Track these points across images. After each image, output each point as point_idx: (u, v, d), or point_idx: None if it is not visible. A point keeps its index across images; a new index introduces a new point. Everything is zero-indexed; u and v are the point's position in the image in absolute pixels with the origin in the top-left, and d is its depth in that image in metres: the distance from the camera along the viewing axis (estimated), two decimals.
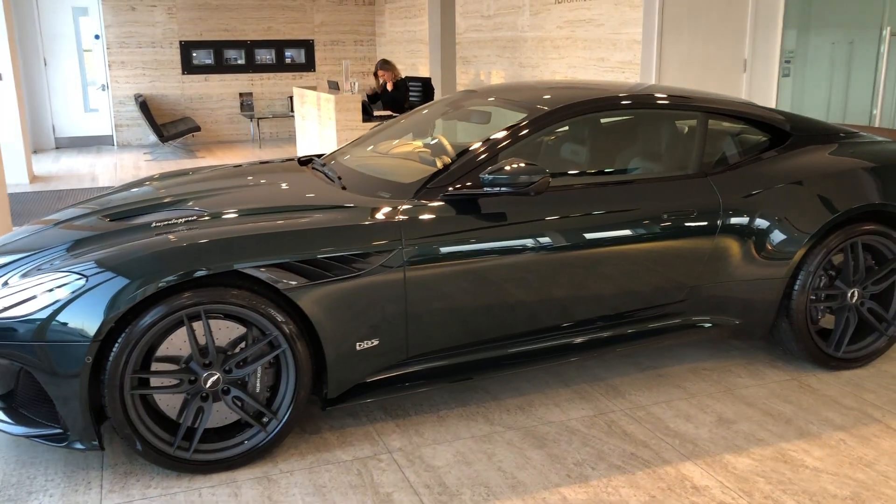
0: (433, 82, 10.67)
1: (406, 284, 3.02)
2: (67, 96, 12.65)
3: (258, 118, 12.68)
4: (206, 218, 3.09)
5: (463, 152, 3.35)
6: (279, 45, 13.26)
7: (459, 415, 3.38)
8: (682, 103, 3.68)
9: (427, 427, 3.27)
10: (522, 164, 3.07)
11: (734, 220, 3.52)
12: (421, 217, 3.08)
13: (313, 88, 9.52)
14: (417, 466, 2.98)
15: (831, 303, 3.72)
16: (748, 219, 3.53)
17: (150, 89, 12.64)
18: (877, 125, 6.08)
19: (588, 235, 3.29)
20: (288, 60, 13.37)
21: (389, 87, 8.93)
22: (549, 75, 8.04)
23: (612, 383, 3.67)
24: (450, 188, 3.18)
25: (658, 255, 3.42)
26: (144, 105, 11.29)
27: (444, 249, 3.08)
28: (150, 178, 4.01)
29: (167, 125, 12.19)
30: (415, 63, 12.02)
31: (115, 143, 12.67)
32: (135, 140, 12.69)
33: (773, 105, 7.02)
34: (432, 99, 10.12)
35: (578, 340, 3.42)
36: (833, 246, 3.59)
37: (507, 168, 3.07)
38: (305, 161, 4.07)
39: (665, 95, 3.71)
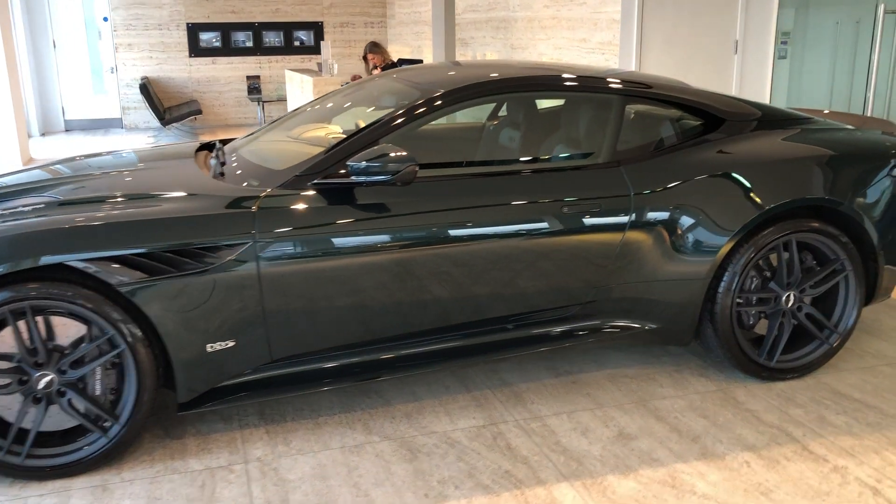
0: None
1: (261, 281, 2.78)
2: (77, 79, 12.66)
3: (265, 101, 12.53)
4: (54, 206, 2.88)
5: (346, 138, 3.08)
6: (287, 28, 13.07)
7: (339, 421, 3.13)
8: (595, 86, 3.35)
9: (298, 434, 3.03)
10: (388, 153, 2.79)
11: (647, 214, 3.19)
12: (281, 207, 2.83)
13: (318, 72, 9.31)
14: (268, 480, 2.74)
15: (764, 307, 3.36)
16: (663, 213, 3.20)
17: (157, 72, 12.57)
18: (869, 110, 5.62)
19: (477, 230, 3.00)
20: (297, 43, 13.17)
21: (377, 72, 8.65)
22: (536, 57, 7.69)
23: (518, 389, 3.38)
24: (320, 176, 2.92)
25: (557, 252, 3.11)
26: (145, 88, 11.22)
27: (308, 243, 2.82)
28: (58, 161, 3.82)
29: (172, 108, 12.12)
30: (420, 45, 11.73)
31: (123, 126, 12.66)
32: (142, 123, 12.65)
33: (767, 90, 6.58)
34: None
35: (471, 344, 3.14)
36: (763, 244, 3.23)
37: (372, 156, 2.80)
38: (209, 146, 3.84)
39: (577, 77, 3.38)
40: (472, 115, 4.67)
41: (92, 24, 12.74)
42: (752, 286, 3.34)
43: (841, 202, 3.28)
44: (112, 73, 12.66)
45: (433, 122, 3.66)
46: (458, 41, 9.99)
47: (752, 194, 3.21)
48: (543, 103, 3.65)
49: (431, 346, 3.09)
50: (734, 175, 3.23)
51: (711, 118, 3.45)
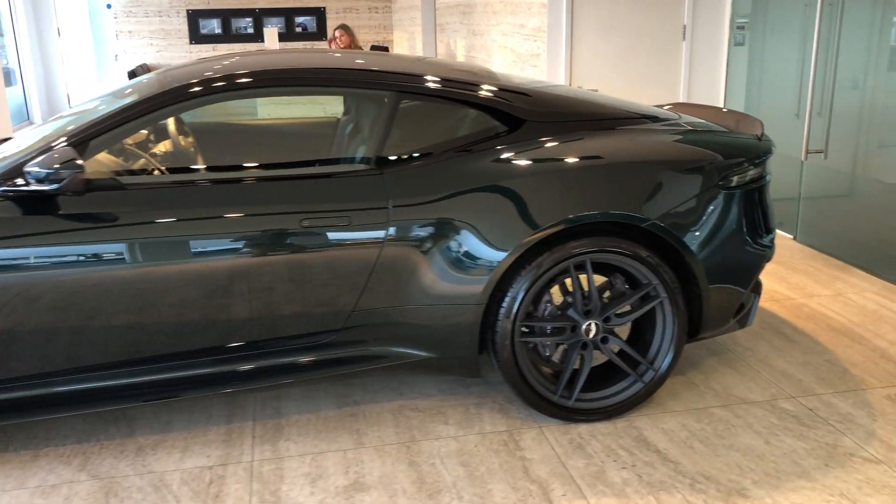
0: (423, 51, 9.96)
1: None
2: (82, 66, 12.74)
3: None
4: None
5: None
6: (289, 13, 12.83)
7: (62, 453, 2.83)
8: (357, 80, 2.92)
9: (5, 469, 2.74)
10: (60, 160, 2.45)
11: (409, 229, 2.76)
12: None
13: None
14: None
15: (559, 337, 2.90)
16: (428, 227, 2.77)
17: (158, 59, 12.51)
18: (807, 105, 4.98)
19: (196, 244, 2.63)
20: (298, 29, 12.92)
21: None
22: (489, 45, 7.21)
23: (285, 422, 3.01)
24: (8, 183, 2.59)
25: (300, 271, 2.72)
26: (133, 75, 11.16)
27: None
28: None
29: None
30: (414, 31, 11.32)
31: None
32: None
33: (721, 80, 5.97)
34: None
35: (208, 373, 2.78)
36: (548, 265, 2.77)
37: (48, 162, 2.47)
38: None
39: (335, 70, 2.96)
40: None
41: (95, 12, 12.79)
42: (545, 312, 2.88)
43: (646, 218, 2.79)
44: (116, 60, 12.68)
45: (183, 120, 3.32)
46: (438, 26, 9.56)
47: (530, 208, 2.75)
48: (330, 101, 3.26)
49: (155, 375, 2.75)
50: (511, 186, 2.77)
51: (511, 118, 2.98)
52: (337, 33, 8.48)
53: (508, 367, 2.85)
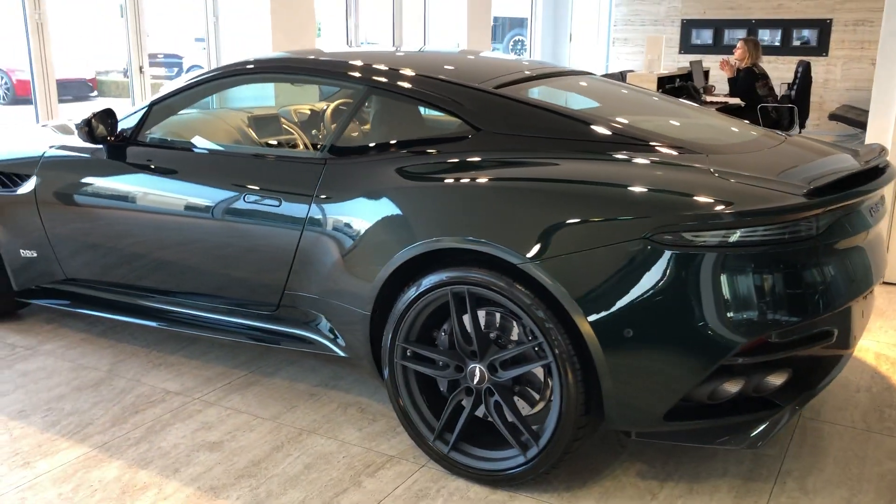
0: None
1: (40, 209, 3.44)
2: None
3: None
4: None
5: None
6: (787, 25, 11.83)
7: (125, 351, 3.58)
8: (331, 72, 2.99)
9: (74, 344, 3.61)
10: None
11: (321, 222, 2.75)
12: (60, 157, 3.45)
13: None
14: None
15: (441, 372, 2.55)
16: (333, 224, 2.73)
17: (640, 66, 12.81)
18: None
19: (171, 198, 3.12)
20: (796, 43, 11.84)
21: (729, 72, 7.55)
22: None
23: (264, 381, 3.28)
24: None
25: (241, 242, 2.96)
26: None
27: (68, 188, 3.38)
28: None
29: None
30: None
31: None
32: None
33: None
34: (808, 89, 8.05)
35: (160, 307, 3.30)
36: (429, 287, 2.48)
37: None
38: None
39: (310, 61, 3.08)
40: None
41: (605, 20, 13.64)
42: (441, 341, 2.57)
43: (519, 256, 2.27)
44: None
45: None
46: None
47: (405, 224, 2.54)
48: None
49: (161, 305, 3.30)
50: (394, 197, 2.59)
51: (472, 127, 2.68)
52: (738, 44, 7.76)
53: (388, 388, 2.64)
